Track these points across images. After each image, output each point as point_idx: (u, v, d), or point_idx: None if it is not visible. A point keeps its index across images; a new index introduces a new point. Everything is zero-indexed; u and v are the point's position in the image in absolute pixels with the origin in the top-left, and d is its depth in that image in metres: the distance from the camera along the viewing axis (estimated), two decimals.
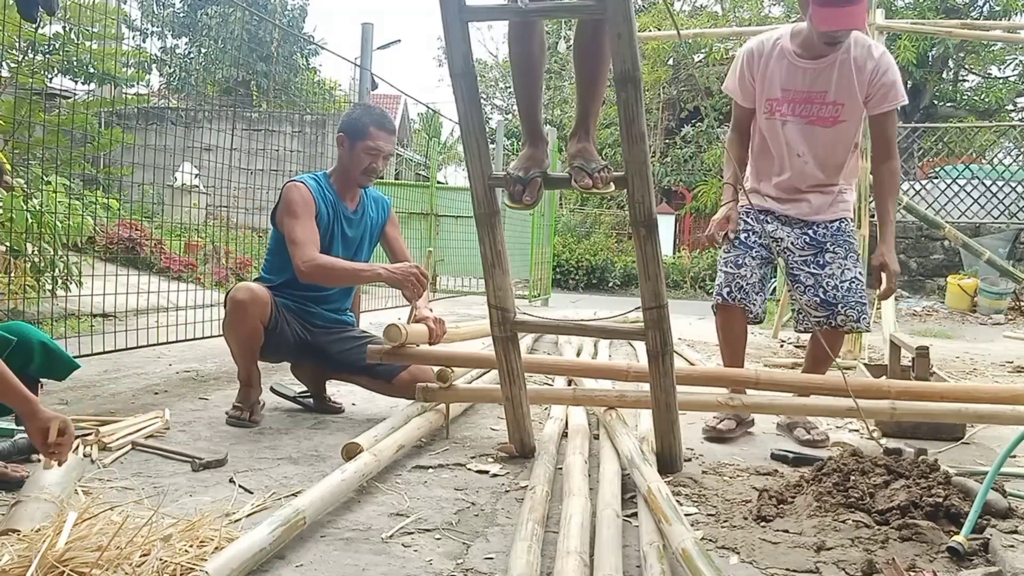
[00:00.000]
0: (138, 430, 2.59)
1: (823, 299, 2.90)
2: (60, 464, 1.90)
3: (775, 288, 8.14)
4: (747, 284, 2.93)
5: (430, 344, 2.91)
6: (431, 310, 3.00)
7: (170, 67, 18.11)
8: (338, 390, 3.40)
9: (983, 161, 13.01)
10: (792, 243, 2.97)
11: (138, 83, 7.55)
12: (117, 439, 2.46)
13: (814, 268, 2.93)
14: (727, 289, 2.96)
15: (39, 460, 2.24)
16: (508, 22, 2.13)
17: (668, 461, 2.42)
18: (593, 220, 18.03)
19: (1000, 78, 16.47)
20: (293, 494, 2.08)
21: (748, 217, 2.99)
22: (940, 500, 1.95)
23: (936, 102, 16.10)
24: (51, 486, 1.89)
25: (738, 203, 2.96)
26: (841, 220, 2.96)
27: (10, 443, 2.23)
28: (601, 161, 2.12)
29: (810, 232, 2.96)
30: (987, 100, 15.36)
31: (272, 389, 3.23)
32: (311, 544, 1.79)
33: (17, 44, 5.33)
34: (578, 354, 4.69)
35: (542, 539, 1.75)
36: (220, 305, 3.15)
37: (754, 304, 2.95)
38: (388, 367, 2.96)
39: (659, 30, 14.27)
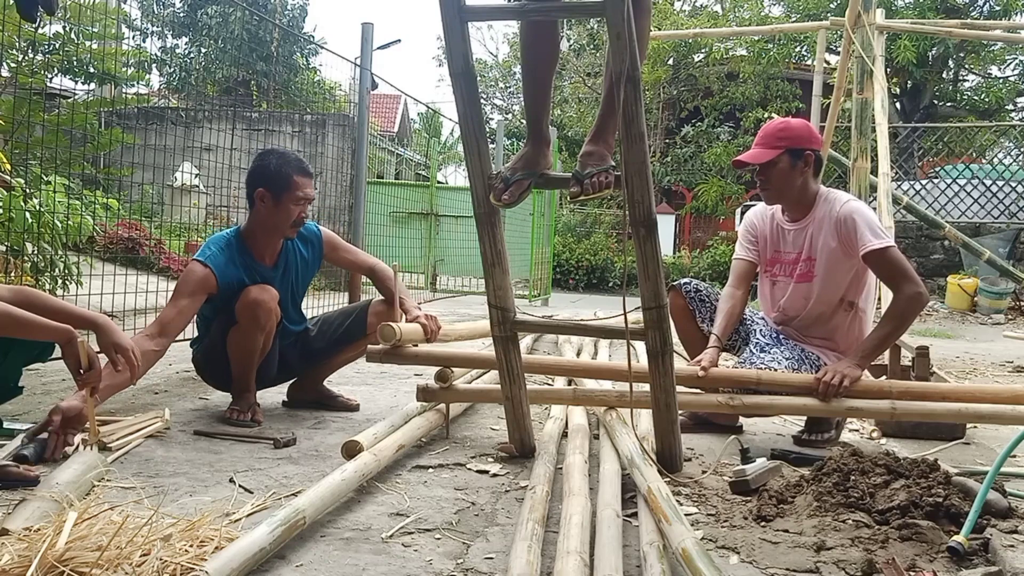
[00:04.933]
0: (138, 430, 2.59)
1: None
2: (93, 394, 2.23)
3: None
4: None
5: (427, 341, 2.90)
6: (420, 309, 3.00)
7: (170, 67, 18.08)
8: (339, 390, 3.39)
9: (983, 161, 13.03)
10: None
11: (138, 83, 7.55)
12: (117, 439, 2.46)
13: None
14: (692, 284, 3.14)
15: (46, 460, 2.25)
16: (520, 21, 2.13)
17: (668, 461, 2.42)
18: (593, 220, 18.03)
19: (1000, 78, 16.45)
20: (293, 494, 2.08)
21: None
22: (940, 500, 1.95)
23: (936, 102, 16.08)
24: (64, 485, 1.89)
25: (720, 353, 2.96)
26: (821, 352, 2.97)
27: (32, 446, 2.22)
28: (609, 163, 2.11)
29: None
30: (987, 100, 15.33)
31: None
32: (311, 544, 1.79)
33: (17, 44, 5.34)
34: (578, 354, 4.69)
35: (542, 539, 1.75)
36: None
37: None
38: (360, 327, 3.08)
39: (659, 30, 14.26)
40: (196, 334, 3.13)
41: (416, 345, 2.87)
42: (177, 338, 4.30)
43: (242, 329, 2.81)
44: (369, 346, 2.79)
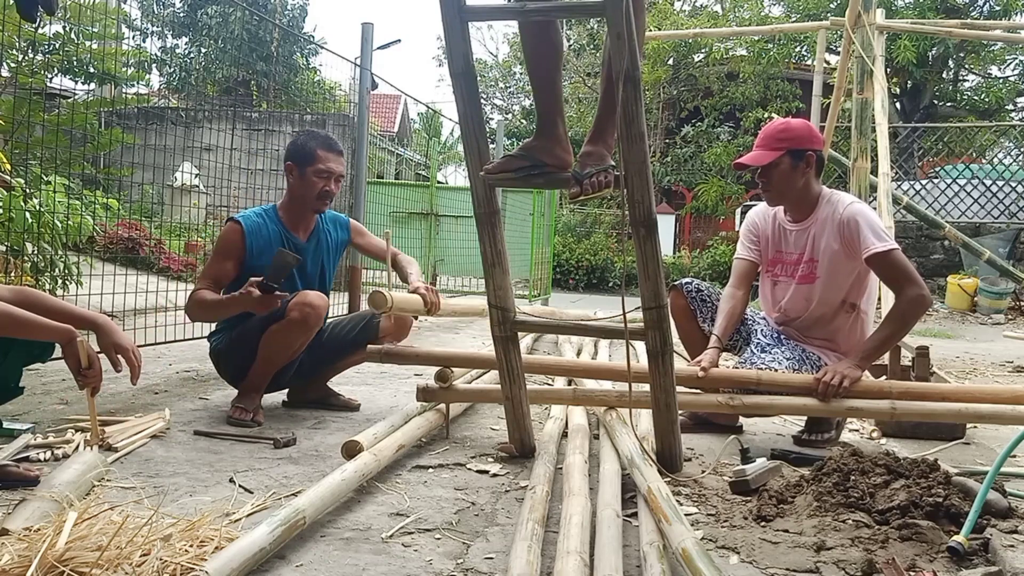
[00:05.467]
0: (142, 430, 2.59)
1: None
2: (94, 393, 2.22)
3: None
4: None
5: (428, 312, 2.95)
6: (422, 281, 3.05)
7: (170, 67, 18.08)
8: (339, 390, 3.39)
9: (983, 161, 13.02)
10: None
11: (138, 83, 7.56)
12: (123, 440, 2.46)
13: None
14: (694, 283, 3.15)
15: (48, 460, 2.25)
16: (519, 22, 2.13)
17: (668, 461, 2.42)
18: (593, 220, 18.03)
19: (1000, 78, 16.44)
20: (293, 494, 2.08)
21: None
22: (940, 500, 1.95)
23: (936, 102, 16.08)
24: (64, 485, 1.89)
25: (720, 353, 2.96)
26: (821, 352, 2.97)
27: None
28: (609, 163, 2.11)
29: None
30: (987, 100, 15.32)
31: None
32: (311, 544, 1.79)
33: (17, 44, 5.34)
34: (578, 354, 4.69)
35: (542, 539, 1.75)
36: None
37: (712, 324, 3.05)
38: (371, 332, 3.08)
39: (659, 30, 14.26)
40: (215, 327, 3.15)
41: (416, 318, 2.86)
42: (182, 338, 4.35)
43: (287, 327, 2.82)
44: (369, 346, 2.80)
